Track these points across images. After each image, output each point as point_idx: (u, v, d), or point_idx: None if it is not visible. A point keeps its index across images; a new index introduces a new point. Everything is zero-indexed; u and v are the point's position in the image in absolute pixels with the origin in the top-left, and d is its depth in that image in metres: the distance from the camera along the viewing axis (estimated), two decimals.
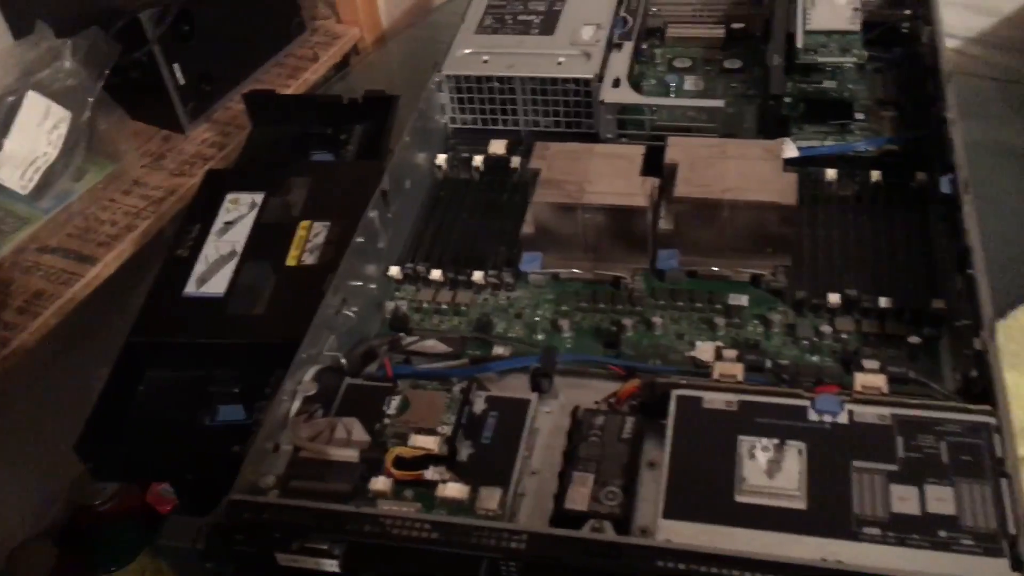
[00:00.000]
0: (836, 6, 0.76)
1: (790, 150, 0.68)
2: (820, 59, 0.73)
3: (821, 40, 0.74)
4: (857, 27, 0.74)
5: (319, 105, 0.80)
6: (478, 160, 0.73)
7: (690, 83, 0.80)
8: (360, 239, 0.62)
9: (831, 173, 0.67)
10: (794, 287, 0.61)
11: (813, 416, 0.47)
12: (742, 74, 0.80)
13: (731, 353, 0.51)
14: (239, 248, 0.68)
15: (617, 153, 0.65)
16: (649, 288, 0.63)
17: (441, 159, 0.74)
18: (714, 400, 0.48)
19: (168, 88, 0.91)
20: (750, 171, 0.61)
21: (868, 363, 0.50)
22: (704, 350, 0.58)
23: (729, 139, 0.64)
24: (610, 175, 0.63)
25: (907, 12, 0.79)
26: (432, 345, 0.60)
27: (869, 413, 0.46)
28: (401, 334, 0.61)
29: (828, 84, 0.75)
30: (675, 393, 0.49)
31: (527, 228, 0.63)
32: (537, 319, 0.63)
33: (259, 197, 0.71)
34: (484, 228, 0.69)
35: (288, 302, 0.63)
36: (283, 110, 0.80)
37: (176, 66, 0.91)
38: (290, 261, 0.66)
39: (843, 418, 0.46)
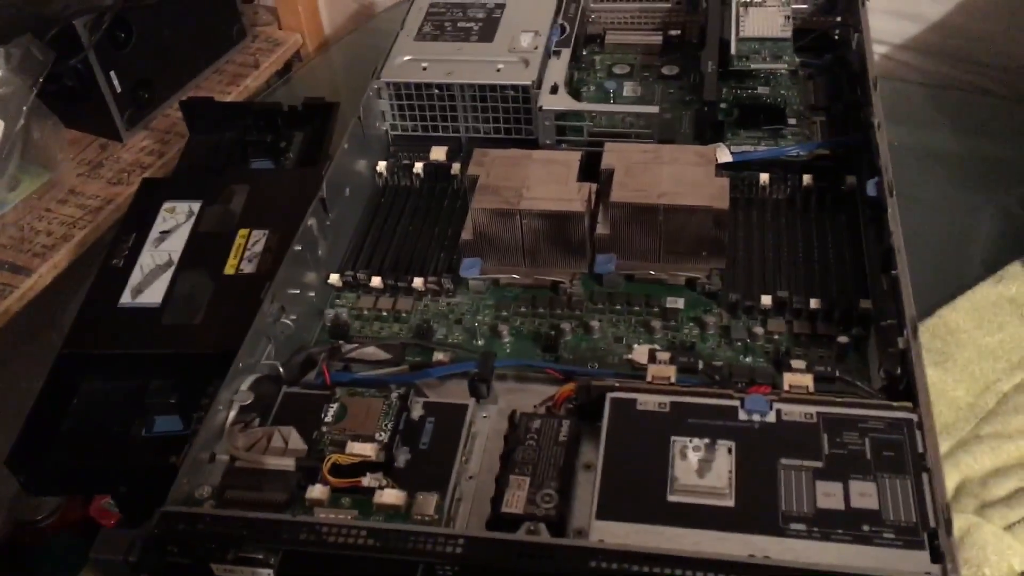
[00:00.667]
0: (768, 14, 0.78)
1: (724, 155, 0.69)
2: (753, 65, 0.74)
3: (754, 47, 0.76)
4: (788, 34, 0.76)
5: (258, 112, 0.80)
6: (419, 167, 0.74)
7: (628, 89, 0.81)
8: (298, 247, 0.61)
9: (764, 177, 0.69)
10: (728, 290, 0.62)
11: (743, 416, 0.48)
12: (679, 80, 0.81)
13: (664, 356, 0.52)
14: (175, 257, 0.67)
15: (554, 159, 0.65)
16: (587, 292, 0.64)
17: (381, 166, 0.74)
18: (647, 402, 0.49)
19: (105, 96, 0.90)
20: (684, 176, 0.62)
21: (796, 363, 0.51)
22: (640, 352, 0.59)
23: (664, 144, 0.65)
24: (547, 181, 0.63)
25: (837, 19, 0.82)
26: (372, 352, 0.60)
27: (796, 412, 0.48)
28: (340, 341, 0.61)
29: (762, 90, 0.77)
30: (609, 396, 0.50)
31: (466, 234, 0.64)
32: (477, 324, 0.63)
33: (196, 206, 0.71)
34: (424, 234, 0.69)
35: (226, 311, 0.62)
36: (222, 118, 0.80)
37: (112, 73, 0.90)
38: (228, 270, 0.66)
39: (771, 417, 0.48)
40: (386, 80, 0.74)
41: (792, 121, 0.73)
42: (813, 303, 0.59)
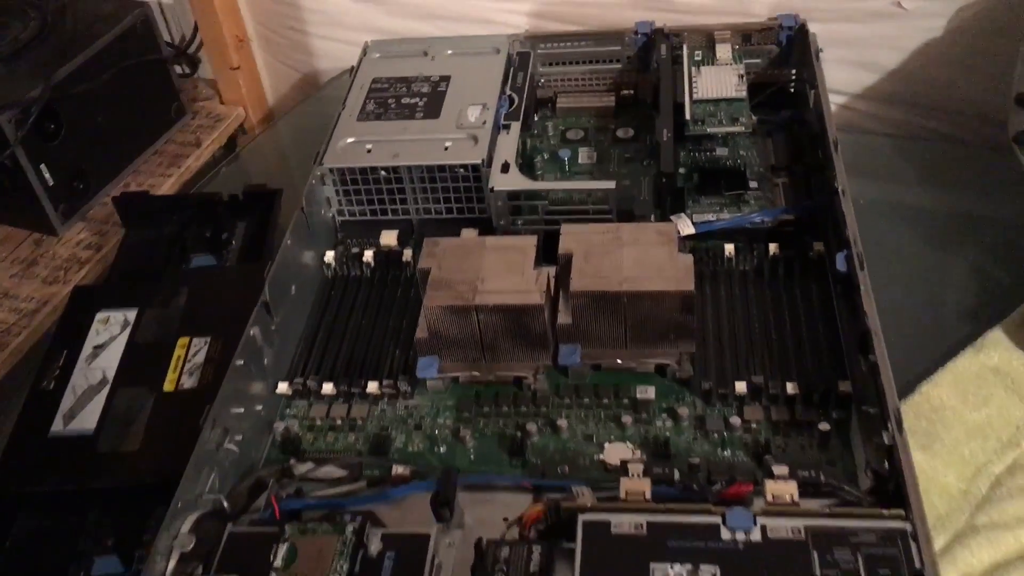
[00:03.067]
0: (722, 73, 0.75)
1: (686, 227, 0.66)
2: (709, 129, 0.72)
3: (709, 109, 0.73)
4: (744, 94, 0.73)
5: (197, 204, 0.76)
6: (368, 255, 0.70)
7: (584, 155, 0.78)
8: (240, 361, 0.57)
9: (729, 248, 0.66)
10: (700, 376, 0.59)
11: (726, 535, 0.44)
12: (635, 143, 0.79)
13: (637, 467, 0.49)
14: (110, 374, 0.62)
15: (509, 245, 0.62)
16: (553, 386, 0.60)
17: (329, 256, 0.71)
18: (622, 523, 0.45)
19: (36, 190, 0.85)
20: (646, 258, 0.59)
21: (778, 468, 0.48)
22: (612, 452, 0.56)
23: (623, 224, 0.62)
24: (503, 271, 0.60)
25: (792, 74, 0.79)
26: (327, 472, 0.56)
27: (782, 527, 0.44)
28: (292, 461, 0.56)
29: (720, 151, 0.74)
30: (581, 519, 0.46)
31: (421, 332, 0.60)
32: (437, 430, 0.59)
33: (132, 314, 0.66)
34: (378, 330, 0.65)
35: (165, 433, 0.58)
36: (158, 212, 0.76)
37: (43, 166, 0.85)
38: (167, 385, 0.61)
39: (756, 534, 0.44)
40: (329, 166, 0.71)
41: (753, 184, 0.71)
42: (790, 387, 0.56)
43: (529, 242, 0.62)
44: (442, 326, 0.59)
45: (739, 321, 0.62)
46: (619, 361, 0.60)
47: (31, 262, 0.87)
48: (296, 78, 1.07)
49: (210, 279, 0.70)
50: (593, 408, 0.59)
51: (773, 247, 0.65)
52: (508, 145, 0.71)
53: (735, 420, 0.56)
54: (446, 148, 0.71)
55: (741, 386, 0.57)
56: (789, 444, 0.55)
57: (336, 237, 0.74)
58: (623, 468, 0.49)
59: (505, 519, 0.53)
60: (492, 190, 0.67)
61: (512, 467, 0.56)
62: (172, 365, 0.63)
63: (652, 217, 0.69)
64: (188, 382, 0.62)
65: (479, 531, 0.51)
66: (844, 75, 0.75)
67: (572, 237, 0.62)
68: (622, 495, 0.47)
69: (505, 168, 0.68)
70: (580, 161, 0.78)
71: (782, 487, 0.46)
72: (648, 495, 0.47)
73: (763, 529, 0.44)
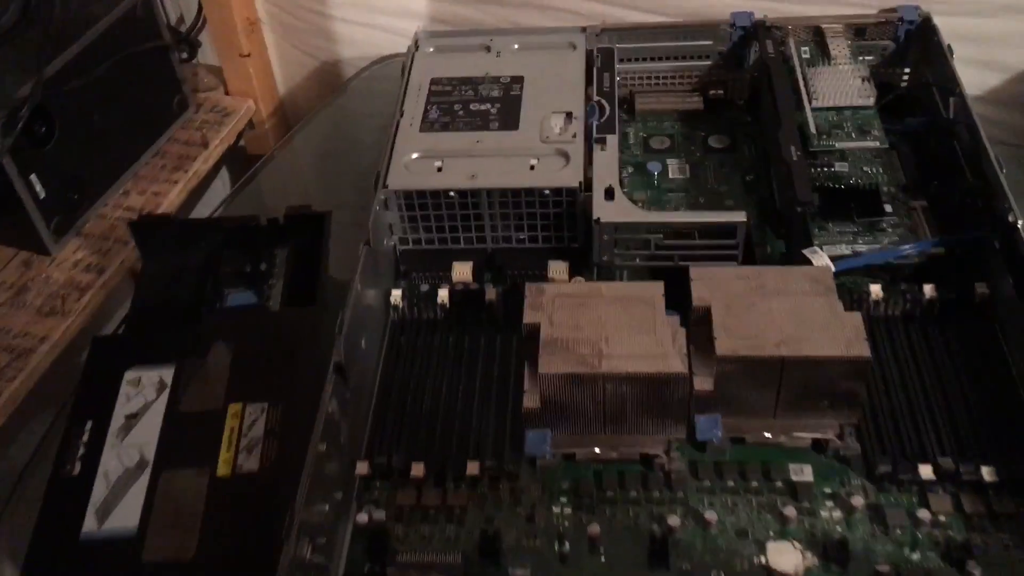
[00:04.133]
0: (840, 75, 0.65)
1: (821, 262, 0.57)
2: (838, 145, 0.62)
3: (832, 119, 0.63)
4: (871, 101, 0.64)
5: (230, 229, 0.64)
6: (443, 294, 0.59)
7: (674, 168, 0.68)
8: (322, 445, 0.47)
9: (876, 290, 0.56)
10: (872, 454, 0.50)
11: None
12: (732, 153, 0.69)
13: None
14: (149, 453, 0.51)
15: (632, 296, 0.52)
16: (689, 465, 0.51)
17: (396, 296, 0.60)
18: None
19: (25, 205, 0.73)
20: (802, 312, 0.49)
21: None
22: (778, 554, 0.47)
23: (766, 268, 0.52)
24: (630, 328, 0.50)
25: (904, 72, 0.70)
26: None
27: None
28: (390, 571, 0.46)
29: (840, 168, 0.64)
30: None
31: (530, 403, 0.50)
32: (555, 520, 0.49)
33: (168, 373, 0.55)
34: (466, 391, 0.55)
35: (227, 534, 0.47)
36: (183, 238, 0.64)
37: (34, 176, 0.72)
38: (222, 469, 0.50)
39: None
40: (395, 188, 0.60)
41: (888, 208, 0.61)
42: (986, 473, 0.47)
43: (655, 291, 0.52)
44: (559, 396, 0.49)
45: (905, 382, 0.53)
46: (767, 435, 0.51)
47: (21, 288, 0.74)
48: (313, 67, 0.95)
49: (256, 324, 0.59)
50: (741, 493, 0.50)
51: (928, 288, 0.56)
52: (607, 164, 0.60)
53: (923, 514, 0.47)
54: (532, 167, 0.60)
55: (926, 470, 0.48)
56: (989, 543, 0.46)
57: (398, 270, 0.63)
58: None
59: None
60: (598, 222, 0.56)
61: (655, 574, 0.47)
62: (225, 441, 0.52)
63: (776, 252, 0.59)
64: (247, 463, 0.51)
65: None
66: (966, 76, 0.65)
67: (706, 284, 0.52)
68: None
69: (610, 194, 0.58)
70: (671, 175, 0.67)
71: None
72: None
73: None
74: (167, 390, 0.54)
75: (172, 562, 0.47)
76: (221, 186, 0.94)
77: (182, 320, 0.59)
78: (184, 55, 0.94)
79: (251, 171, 0.80)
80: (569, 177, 0.59)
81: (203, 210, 0.87)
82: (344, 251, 0.64)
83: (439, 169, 0.61)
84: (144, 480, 0.50)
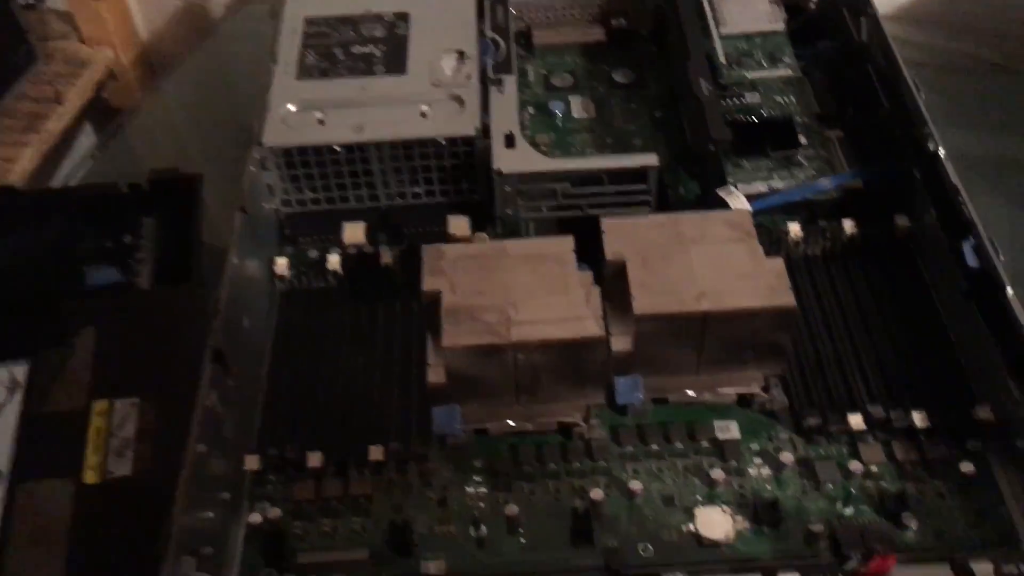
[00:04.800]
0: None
1: (738, 202, 0.53)
2: (749, 75, 0.58)
3: (742, 47, 0.59)
4: (781, 26, 0.60)
5: (87, 199, 0.57)
6: (334, 261, 0.54)
7: (578, 107, 0.63)
8: (202, 447, 0.41)
9: (794, 229, 0.53)
10: (797, 406, 0.47)
11: None
12: (640, 89, 0.64)
13: None
14: (5, 464, 0.45)
15: (540, 253, 0.47)
16: (609, 431, 0.47)
17: (281, 265, 0.54)
18: None
19: None
20: (722, 261, 0.46)
21: (980, 567, 0.36)
22: (707, 520, 0.44)
23: (682, 215, 0.48)
24: (540, 290, 0.45)
25: None
26: None
27: None
28: None
29: (751, 99, 0.61)
30: None
31: (436, 378, 0.45)
32: (470, 502, 0.45)
33: (20, 370, 0.48)
34: (366, 369, 0.50)
35: (100, 550, 0.42)
36: (34, 210, 0.57)
37: None
38: (89, 475, 0.45)
39: None
40: (272, 145, 0.53)
41: (803, 140, 0.58)
42: (918, 418, 0.45)
43: (565, 246, 0.47)
44: (466, 369, 0.45)
45: (829, 327, 0.50)
46: (690, 393, 0.48)
47: None
48: (177, 8, 0.86)
49: (123, 307, 0.52)
50: (666, 457, 0.46)
51: (848, 224, 0.53)
52: (506, 108, 0.55)
53: (855, 465, 0.44)
54: (424, 115, 0.55)
55: (856, 420, 0.45)
56: (924, 493, 0.44)
57: (281, 236, 0.57)
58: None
59: None
60: (499, 173, 0.52)
61: (580, 554, 0.43)
62: (91, 444, 0.46)
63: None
64: (119, 467, 0.45)
65: None
66: None
67: (619, 236, 0.48)
68: None
69: (510, 142, 0.53)
70: (575, 115, 0.63)
71: None
72: None
73: None
74: (21, 389, 0.48)
75: None
76: (88, 147, 0.85)
77: (36, 307, 0.52)
78: (27, 0, 0.84)
79: (112, 127, 0.72)
80: (465, 124, 0.54)
81: (64, 175, 0.78)
82: (225, 217, 0.58)
83: (320, 122, 0.55)
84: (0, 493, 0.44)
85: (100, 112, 0.84)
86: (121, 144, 0.74)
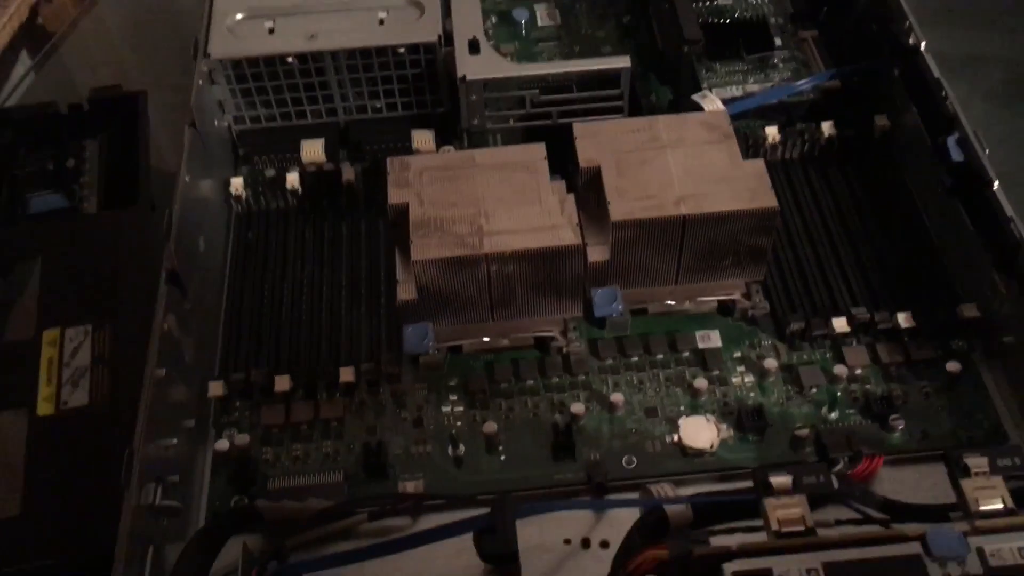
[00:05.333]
0: None
1: (713, 107, 0.51)
2: None
3: None
4: None
5: (24, 120, 0.53)
6: (292, 178, 0.51)
7: (543, 14, 0.60)
8: (161, 371, 0.39)
9: (772, 132, 0.51)
10: (779, 311, 0.46)
11: (934, 570, 0.32)
12: None
13: (783, 480, 0.35)
14: None
15: (511, 161, 0.45)
16: (589, 345, 0.46)
17: (236, 185, 0.51)
18: (790, 570, 0.32)
19: None
20: (700, 164, 0.44)
21: (974, 461, 0.36)
22: (691, 430, 0.43)
23: (657, 118, 0.46)
24: (512, 199, 0.43)
25: None
26: (310, 507, 0.40)
27: (1006, 550, 0.33)
28: (259, 502, 0.40)
29: (723, 0, 0.58)
30: (729, 570, 0.33)
31: (406, 294, 0.43)
32: (446, 422, 0.44)
33: None
34: (332, 289, 0.48)
35: (58, 482, 0.40)
36: None
37: None
38: (44, 407, 0.42)
39: (974, 565, 0.32)
40: (220, 57, 0.50)
41: (777, 41, 0.56)
42: (902, 319, 0.44)
43: (537, 154, 0.45)
44: (437, 284, 0.42)
45: (809, 231, 0.49)
46: (670, 302, 0.46)
47: None
48: None
49: (68, 233, 0.49)
50: (647, 369, 0.45)
51: (827, 126, 0.51)
52: (469, 13, 0.52)
53: (839, 369, 0.43)
54: (381, 22, 0.52)
55: (840, 323, 0.44)
56: (910, 394, 0.43)
57: (236, 154, 0.54)
58: (764, 485, 0.35)
59: (567, 541, 0.40)
60: (464, 80, 0.49)
61: (561, 468, 0.42)
62: (44, 374, 0.43)
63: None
64: (74, 397, 0.43)
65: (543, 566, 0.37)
66: None
67: (592, 141, 0.45)
68: (772, 524, 0.34)
69: (474, 47, 0.50)
70: (539, 23, 0.60)
71: (984, 488, 0.34)
72: (809, 520, 0.34)
73: (980, 554, 0.33)
74: None
75: None
76: (21, 73, 0.80)
77: None
78: None
79: (47, 47, 0.68)
80: (426, 31, 0.51)
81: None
82: (171, 138, 0.55)
83: (271, 31, 0.51)
84: None
85: (36, 35, 0.79)
86: (56, 69, 0.69)
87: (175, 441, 0.40)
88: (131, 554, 0.34)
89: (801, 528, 0.34)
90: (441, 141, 0.53)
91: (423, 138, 0.52)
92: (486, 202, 0.43)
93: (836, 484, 0.35)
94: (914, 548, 0.33)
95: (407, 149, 0.52)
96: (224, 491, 0.42)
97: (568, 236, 0.42)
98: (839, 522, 0.35)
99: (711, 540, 0.34)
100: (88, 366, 0.44)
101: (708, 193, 0.43)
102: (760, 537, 0.34)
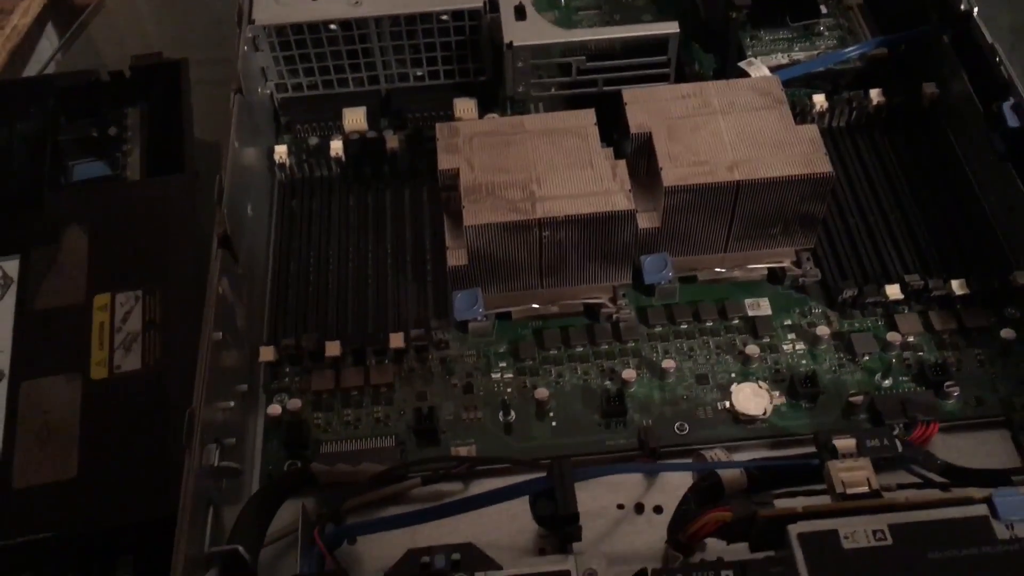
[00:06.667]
0: None
1: (760, 73, 0.51)
2: None
3: None
4: None
5: (66, 88, 0.53)
6: (337, 146, 0.51)
7: None
8: (218, 334, 0.39)
9: (819, 100, 0.51)
10: (829, 279, 0.45)
11: (1001, 532, 0.32)
12: None
13: (847, 443, 0.35)
14: (3, 362, 0.43)
15: (560, 127, 0.45)
16: (638, 312, 0.46)
17: (280, 152, 0.51)
18: (856, 532, 0.32)
19: None
20: (752, 129, 0.44)
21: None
22: (743, 397, 0.42)
23: (707, 83, 0.46)
24: (563, 164, 0.43)
25: None
26: (363, 471, 0.40)
27: None
28: (313, 465, 0.40)
29: None
30: (794, 531, 0.33)
31: (456, 260, 0.43)
32: (496, 388, 0.44)
33: (12, 265, 0.45)
34: (379, 257, 0.48)
35: (113, 448, 0.40)
36: (12, 102, 0.53)
37: None
38: (97, 371, 0.42)
39: None
40: (264, 24, 0.50)
41: (823, 8, 0.55)
42: (956, 286, 0.44)
43: (587, 120, 0.45)
44: (489, 249, 0.42)
45: (858, 199, 0.48)
46: (719, 270, 0.46)
47: None
48: None
49: (113, 200, 0.49)
50: (697, 336, 0.45)
51: (875, 93, 0.51)
52: None
53: (893, 336, 0.43)
54: None
55: (893, 290, 0.44)
56: (964, 361, 0.43)
57: (278, 123, 0.54)
58: (825, 446, 0.35)
59: (620, 506, 0.40)
60: (511, 46, 0.48)
61: (612, 434, 0.42)
62: (96, 338, 0.43)
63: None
64: (127, 362, 0.43)
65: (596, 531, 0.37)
66: None
67: (643, 107, 0.45)
68: (836, 487, 0.34)
69: (520, 13, 0.50)
70: None
71: None
72: (875, 482, 0.34)
73: None
74: (14, 285, 0.45)
75: (50, 483, 0.39)
76: (49, 47, 0.80)
77: (20, 203, 0.49)
78: None
79: (78, 22, 0.67)
80: None
81: (29, 74, 0.74)
82: (207, 108, 0.54)
83: None
84: (1, 394, 0.42)
85: (64, 8, 0.79)
86: (86, 43, 0.69)
87: (231, 404, 0.40)
88: (195, 514, 0.35)
89: (866, 490, 0.34)
90: (483, 110, 0.53)
91: (465, 106, 0.52)
92: (537, 167, 0.43)
93: (900, 448, 0.35)
94: (980, 510, 0.33)
95: (449, 117, 0.52)
96: (277, 455, 0.42)
97: (621, 201, 0.42)
98: (901, 486, 0.35)
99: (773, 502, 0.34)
100: (139, 331, 0.44)
101: (761, 158, 0.43)
102: (824, 500, 0.34)
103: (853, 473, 0.34)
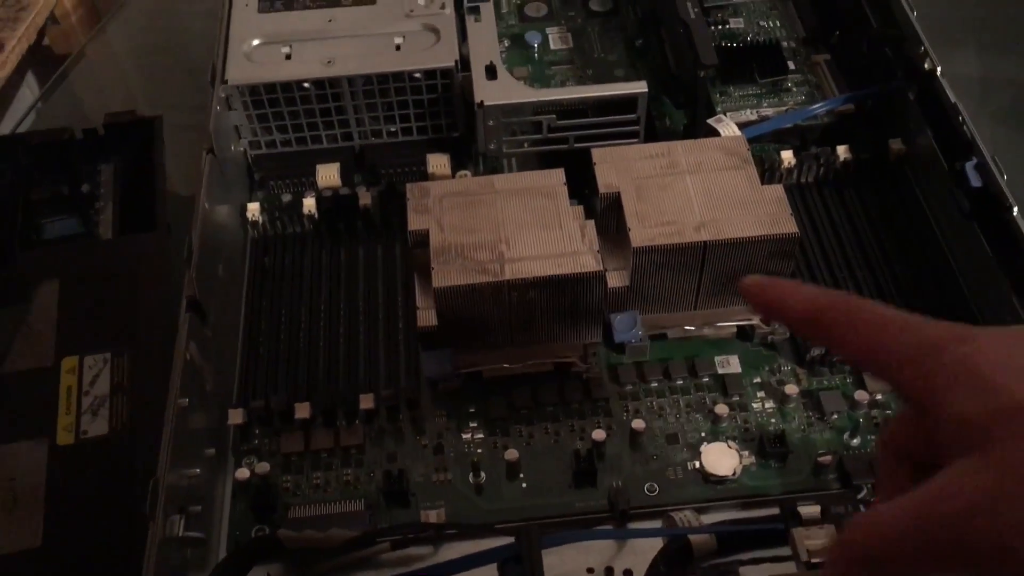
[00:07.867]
0: None
1: (729, 132, 0.51)
2: None
3: None
4: None
5: (39, 145, 0.53)
6: (309, 203, 0.51)
7: (555, 38, 0.61)
8: (184, 400, 0.39)
9: (787, 156, 0.51)
10: (799, 337, 0.46)
11: None
12: (615, 16, 0.62)
13: (811, 510, 0.35)
14: None
15: (530, 187, 0.45)
16: (609, 370, 0.46)
17: (253, 210, 0.51)
18: None
19: None
20: (719, 189, 0.44)
21: None
22: (713, 457, 0.42)
23: (674, 143, 0.46)
24: (532, 225, 0.43)
25: None
26: (333, 536, 0.40)
27: None
28: (281, 531, 0.40)
29: (735, 24, 0.59)
30: None
31: (426, 321, 0.43)
32: (466, 449, 0.44)
33: None
34: (351, 317, 0.48)
35: (80, 512, 0.39)
36: None
37: None
38: (63, 436, 0.42)
39: None
40: (237, 84, 0.50)
41: (791, 65, 0.56)
42: None
43: (556, 179, 0.45)
44: (458, 310, 0.42)
45: (826, 254, 0.49)
46: (689, 328, 0.46)
47: None
48: None
49: (85, 258, 0.49)
50: (667, 395, 0.45)
51: (842, 150, 0.51)
52: (485, 38, 0.52)
53: (860, 395, 0.43)
54: (398, 47, 0.52)
55: None
56: None
57: (251, 179, 0.54)
58: (790, 512, 0.35)
59: (590, 570, 0.40)
60: (482, 105, 0.49)
61: (583, 495, 0.42)
62: (63, 403, 0.43)
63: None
64: (94, 426, 0.42)
65: None
66: None
67: (611, 166, 0.46)
68: (802, 555, 0.34)
69: (491, 72, 0.50)
70: (552, 47, 0.60)
71: None
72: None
73: None
74: None
75: (15, 553, 0.39)
76: (29, 96, 0.80)
77: None
78: None
79: (57, 73, 0.68)
80: (442, 56, 0.51)
81: (7, 127, 0.74)
82: (182, 163, 0.55)
83: (288, 56, 0.52)
84: None
85: (44, 58, 0.79)
86: (65, 94, 0.69)
87: (197, 471, 0.40)
88: None
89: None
90: (456, 165, 0.53)
91: (439, 162, 0.53)
92: (507, 228, 0.43)
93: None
94: None
95: (422, 173, 0.52)
96: (245, 520, 0.41)
97: (589, 262, 0.42)
98: None
99: (740, 571, 0.34)
100: (107, 395, 0.43)
101: (728, 219, 0.43)
102: (789, 567, 0.34)
103: (818, 541, 0.34)
